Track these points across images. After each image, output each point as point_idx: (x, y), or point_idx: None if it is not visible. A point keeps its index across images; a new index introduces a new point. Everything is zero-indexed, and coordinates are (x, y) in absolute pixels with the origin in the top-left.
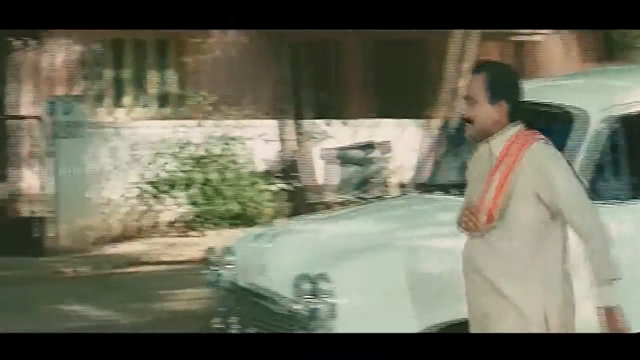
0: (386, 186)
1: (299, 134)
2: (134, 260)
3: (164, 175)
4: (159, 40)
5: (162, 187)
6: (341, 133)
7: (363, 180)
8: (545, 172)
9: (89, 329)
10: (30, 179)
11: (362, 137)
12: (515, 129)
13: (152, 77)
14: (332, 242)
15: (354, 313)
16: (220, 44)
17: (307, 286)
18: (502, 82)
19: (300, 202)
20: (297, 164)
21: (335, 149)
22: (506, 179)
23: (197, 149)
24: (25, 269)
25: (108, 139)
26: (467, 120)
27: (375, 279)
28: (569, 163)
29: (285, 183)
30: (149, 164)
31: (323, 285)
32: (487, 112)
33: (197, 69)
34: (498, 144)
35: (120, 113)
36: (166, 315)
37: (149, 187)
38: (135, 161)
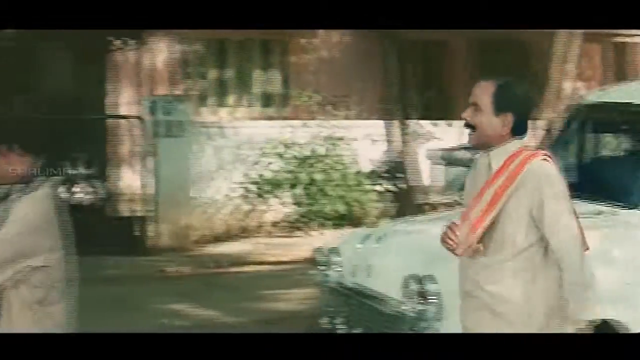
0: None
1: (405, 134)
2: (238, 260)
3: (268, 175)
4: (264, 40)
5: (266, 186)
6: (447, 134)
7: None
8: (538, 190)
9: (192, 328)
10: (131, 178)
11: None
12: (518, 144)
13: (258, 77)
14: (438, 243)
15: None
16: (326, 44)
17: (415, 287)
18: (510, 95)
19: (406, 203)
20: (403, 165)
21: (442, 149)
22: (501, 194)
23: (302, 149)
24: (128, 268)
25: (212, 139)
26: (470, 127)
27: None
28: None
29: (391, 184)
30: (254, 163)
31: (430, 287)
32: (490, 122)
33: (303, 69)
34: (498, 157)
35: (224, 113)
36: (270, 315)
37: (253, 187)
38: (240, 161)
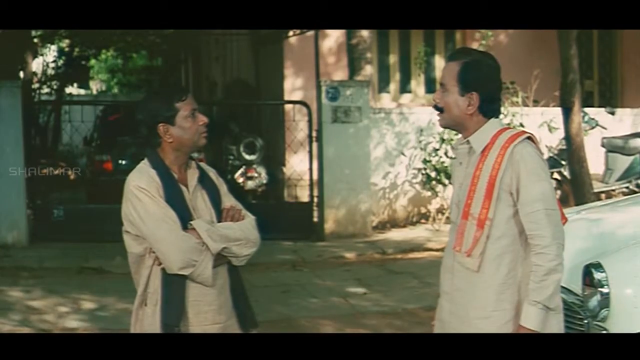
0: None
1: (583, 122)
2: (417, 247)
3: (448, 161)
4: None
5: (446, 173)
6: (622, 122)
7: None
8: (516, 170)
9: (371, 314)
10: (307, 164)
11: None
12: (496, 125)
13: (439, 64)
14: (612, 231)
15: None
16: (504, 32)
17: (596, 275)
18: (475, 73)
19: (581, 190)
20: (579, 152)
21: (618, 137)
22: (494, 179)
23: None
24: (305, 253)
25: (391, 124)
26: (439, 109)
27: None
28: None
29: (566, 171)
30: (435, 149)
31: (597, 275)
32: (456, 102)
33: None
34: (478, 141)
35: (404, 99)
36: None
37: (432, 173)
38: (420, 147)
